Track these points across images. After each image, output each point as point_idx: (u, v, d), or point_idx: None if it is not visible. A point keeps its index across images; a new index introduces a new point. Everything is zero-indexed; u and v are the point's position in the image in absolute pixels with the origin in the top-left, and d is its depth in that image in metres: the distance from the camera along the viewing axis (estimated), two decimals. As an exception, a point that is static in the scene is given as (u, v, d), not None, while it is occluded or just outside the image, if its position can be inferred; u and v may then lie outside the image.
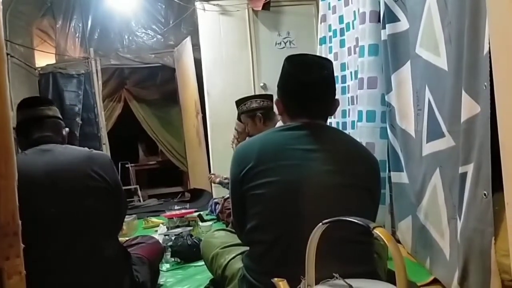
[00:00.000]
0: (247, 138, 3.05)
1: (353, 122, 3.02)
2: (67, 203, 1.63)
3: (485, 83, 1.42)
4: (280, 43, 4.72)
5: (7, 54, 4.23)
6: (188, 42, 5.03)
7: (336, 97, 1.61)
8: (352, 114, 3.04)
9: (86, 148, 1.83)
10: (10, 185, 0.87)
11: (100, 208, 1.70)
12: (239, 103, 3.06)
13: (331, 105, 1.58)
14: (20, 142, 1.80)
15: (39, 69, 5.27)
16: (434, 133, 1.96)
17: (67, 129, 1.91)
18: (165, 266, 2.54)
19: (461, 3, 1.63)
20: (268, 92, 3.85)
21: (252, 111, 2.89)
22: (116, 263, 1.76)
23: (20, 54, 4.63)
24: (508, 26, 0.82)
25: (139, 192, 6.14)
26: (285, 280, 1.03)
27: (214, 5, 4.62)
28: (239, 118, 3.32)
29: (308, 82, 1.48)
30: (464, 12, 1.59)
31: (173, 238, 2.73)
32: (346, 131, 3.05)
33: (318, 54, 3.54)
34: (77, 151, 1.79)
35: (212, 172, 4.31)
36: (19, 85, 4.52)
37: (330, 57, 3.35)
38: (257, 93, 4.25)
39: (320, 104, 1.53)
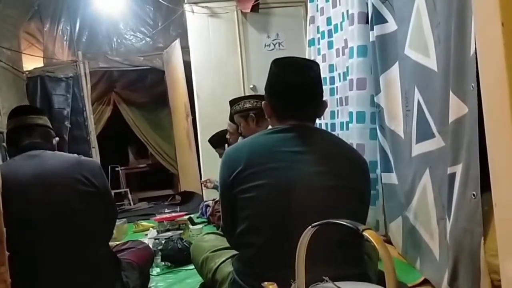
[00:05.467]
0: (239, 138, 3.03)
1: (341, 123, 3.02)
2: (55, 206, 1.62)
3: (472, 84, 1.42)
4: (269, 45, 4.73)
5: (-6, 58, 4.20)
6: (177, 44, 5.02)
7: (325, 98, 1.61)
8: (341, 115, 3.05)
9: (75, 155, 1.82)
10: (-7, 193, 0.86)
11: (88, 213, 1.69)
12: (232, 103, 3.04)
13: (319, 107, 1.58)
14: (9, 150, 1.80)
15: (27, 72, 5.23)
16: (424, 134, 1.96)
17: (57, 138, 1.92)
18: (155, 270, 2.52)
19: (449, 4, 1.63)
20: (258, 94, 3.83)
21: (245, 111, 2.87)
22: (106, 268, 1.75)
23: (8, 58, 4.60)
24: (494, 26, 0.82)
25: (129, 195, 6.11)
26: (275, 284, 1.02)
27: (203, 7, 4.61)
28: (231, 119, 3.30)
29: (295, 84, 1.49)
30: (452, 13, 1.60)
31: (163, 241, 2.70)
32: (335, 132, 3.06)
33: (307, 56, 3.55)
34: (66, 156, 1.80)
35: (203, 178, 4.28)
36: (6, 89, 4.48)
37: (319, 58, 3.36)
38: (247, 95, 4.23)
39: (307, 106, 1.53)
